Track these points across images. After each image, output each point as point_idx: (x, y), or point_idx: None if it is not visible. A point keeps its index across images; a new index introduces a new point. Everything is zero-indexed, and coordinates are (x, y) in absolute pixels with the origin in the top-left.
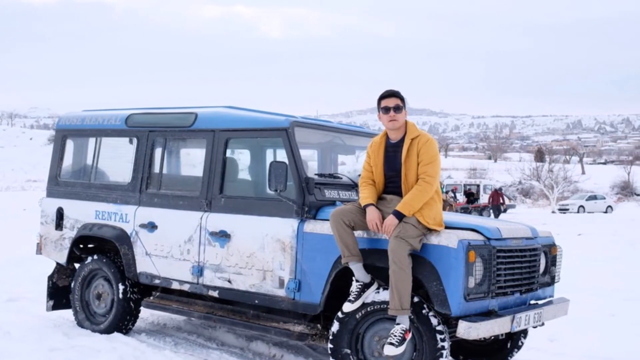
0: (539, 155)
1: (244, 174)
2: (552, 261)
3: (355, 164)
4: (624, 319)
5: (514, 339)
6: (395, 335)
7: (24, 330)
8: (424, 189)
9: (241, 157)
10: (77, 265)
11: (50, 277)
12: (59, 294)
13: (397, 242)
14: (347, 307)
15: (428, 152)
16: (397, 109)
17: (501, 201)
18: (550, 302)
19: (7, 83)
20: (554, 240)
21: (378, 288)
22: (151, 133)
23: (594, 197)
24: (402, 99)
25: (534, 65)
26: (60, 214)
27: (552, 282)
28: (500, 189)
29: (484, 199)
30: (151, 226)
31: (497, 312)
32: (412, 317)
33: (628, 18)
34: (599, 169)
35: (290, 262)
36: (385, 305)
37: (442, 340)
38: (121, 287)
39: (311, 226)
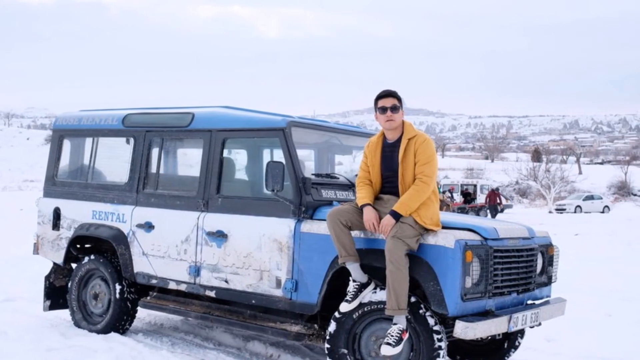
0: (536, 155)
1: (241, 174)
2: (549, 261)
3: (352, 164)
4: (621, 319)
5: (511, 339)
6: (392, 335)
7: (21, 330)
8: (421, 189)
9: (238, 157)
10: (74, 265)
11: (47, 277)
12: (56, 294)
13: (394, 242)
14: (344, 307)
15: (425, 152)
16: (394, 109)
17: (498, 201)
18: (547, 302)
19: (4, 83)
20: (551, 240)
21: (375, 288)
22: (148, 133)
23: (591, 197)
24: (399, 99)
25: (531, 65)
26: (57, 214)
27: (549, 282)
28: (497, 189)
29: (481, 199)
30: (148, 226)
31: (494, 312)
32: (409, 317)
33: (625, 18)
34: (596, 169)
35: (287, 262)
36: (382, 305)
37: (439, 340)
38: (118, 287)
39: (308, 226)
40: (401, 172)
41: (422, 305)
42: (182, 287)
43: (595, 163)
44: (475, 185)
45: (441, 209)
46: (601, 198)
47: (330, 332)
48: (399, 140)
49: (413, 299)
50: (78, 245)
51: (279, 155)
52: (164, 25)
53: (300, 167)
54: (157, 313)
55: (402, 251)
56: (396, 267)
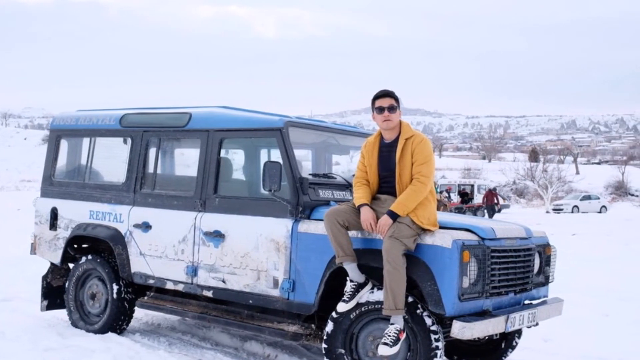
0: (533, 155)
1: (238, 174)
2: (546, 261)
3: (350, 164)
4: (618, 319)
5: (508, 339)
6: (389, 335)
7: (18, 330)
8: (418, 189)
9: (235, 157)
10: (71, 265)
11: (44, 277)
12: (53, 294)
13: (391, 242)
14: (342, 307)
15: (422, 152)
16: (391, 109)
17: (495, 201)
18: (544, 302)
19: (2, 83)
20: (548, 240)
21: (372, 288)
22: (145, 133)
23: (588, 197)
24: (396, 99)
25: (528, 66)
26: (54, 214)
27: (546, 282)
28: (495, 189)
29: (478, 199)
30: (145, 226)
31: (491, 312)
32: (407, 317)
33: (623, 18)
34: (593, 169)
35: (285, 262)
36: (380, 305)
37: (437, 340)
38: (115, 287)
39: (305, 226)
40: (398, 172)
41: (419, 305)
42: (180, 287)
43: (593, 163)
44: (472, 185)
45: (438, 209)
46: (598, 198)
47: (327, 332)
48: (396, 140)
49: (410, 299)
50: (75, 245)
51: (276, 155)
52: (162, 25)
53: (297, 167)
54: (155, 313)
55: (399, 251)
56: (393, 267)
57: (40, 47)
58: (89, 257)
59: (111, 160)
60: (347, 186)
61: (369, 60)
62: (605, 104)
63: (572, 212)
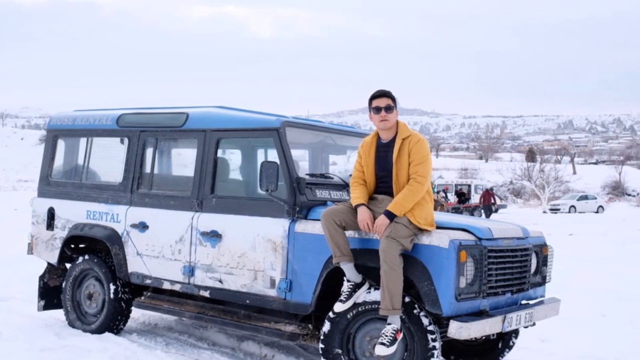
0: (530, 155)
1: (235, 174)
2: (543, 261)
3: (347, 164)
4: (615, 319)
5: (505, 339)
6: (386, 335)
7: (15, 330)
8: (415, 189)
9: (232, 157)
10: (68, 265)
11: (41, 277)
12: (50, 294)
13: (388, 242)
14: (339, 307)
15: (419, 152)
16: (388, 109)
17: (492, 201)
18: (541, 302)
19: None
20: (545, 240)
21: (369, 288)
22: (142, 133)
23: (585, 197)
24: (393, 99)
25: (525, 65)
26: (51, 214)
27: (543, 282)
28: (492, 189)
29: (475, 199)
30: (142, 226)
31: (488, 312)
32: (403, 317)
33: (619, 17)
34: (590, 169)
35: (282, 262)
36: (377, 305)
37: (433, 340)
38: (112, 287)
39: (302, 226)
40: (395, 172)
41: (416, 305)
42: (177, 287)
43: (590, 163)
44: (469, 185)
45: (435, 209)
46: (595, 198)
47: (324, 332)
48: (393, 140)
49: (407, 299)
50: (72, 245)
51: (273, 155)
52: (158, 25)
53: (294, 167)
54: (152, 313)
55: (396, 251)
56: (390, 267)
57: (37, 46)
58: (86, 257)
59: (108, 160)
60: (344, 186)
61: (365, 60)
62: (602, 104)
63: (569, 212)
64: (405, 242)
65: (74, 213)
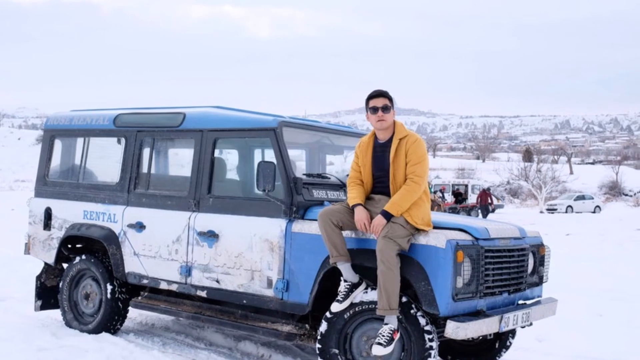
0: (527, 155)
1: (232, 174)
2: (540, 261)
3: (344, 164)
4: (612, 319)
5: (502, 339)
6: (383, 335)
7: (12, 330)
8: (412, 189)
9: (229, 157)
10: (65, 265)
11: (38, 277)
12: (47, 293)
13: (385, 242)
14: (336, 307)
15: (416, 152)
16: (385, 109)
17: (489, 201)
18: (538, 302)
19: None
20: (542, 240)
21: (366, 288)
22: (139, 133)
23: (582, 197)
24: (390, 99)
25: (522, 65)
26: (48, 214)
27: (540, 282)
28: (489, 189)
29: (472, 199)
30: (139, 226)
31: (485, 312)
32: (401, 317)
33: (617, 17)
34: (587, 169)
35: (279, 262)
36: (374, 305)
37: (431, 340)
38: (109, 287)
39: (299, 226)
40: (392, 172)
41: (413, 305)
42: (174, 287)
43: (587, 163)
44: (466, 185)
45: (432, 209)
46: (592, 198)
47: (321, 332)
48: (390, 140)
49: (404, 299)
50: (69, 245)
51: (270, 155)
52: (155, 25)
53: (291, 167)
54: (149, 313)
55: (393, 251)
56: (387, 267)
57: (34, 46)
58: (83, 257)
59: (105, 160)
60: (341, 186)
61: (362, 60)
62: (599, 104)
63: (566, 212)
64: (402, 242)
65: (71, 213)
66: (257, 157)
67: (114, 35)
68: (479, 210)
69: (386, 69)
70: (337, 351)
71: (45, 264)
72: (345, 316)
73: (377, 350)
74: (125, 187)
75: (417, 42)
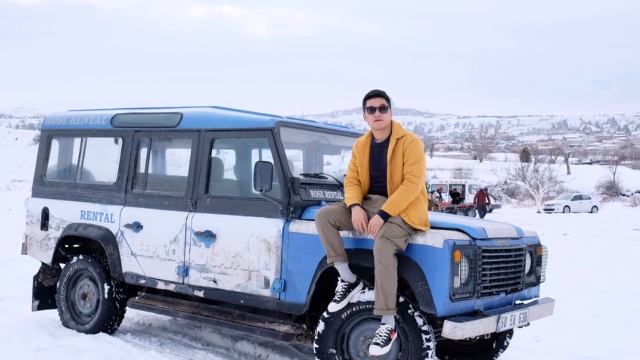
0: (525, 155)
1: (229, 174)
2: (537, 261)
3: (341, 164)
4: (609, 318)
5: (500, 339)
6: (380, 335)
7: (9, 330)
8: (409, 189)
9: (227, 157)
10: (62, 265)
11: (35, 277)
12: (45, 294)
13: (383, 242)
14: (333, 307)
15: (413, 152)
16: (383, 109)
17: (487, 201)
18: (535, 302)
19: None
20: (540, 240)
21: (363, 288)
22: (137, 133)
23: (579, 197)
24: (387, 99)
25: (519, 66)
26: (45, 214)
27: (537, 282)
28: (486, 189)
29: (469, 199)
30: (137, 226)
31: (482, 312)
32: (398, 317)
33: (614, 18)
34: (585, 169)
35: (276, 262)
36: (371, 305)
37: (428, 340)
38: (106, 287)
39: (296, 226)
40: (389, 172)
41: (410, 305)
42: (171, 287)
43: (584, 163)
44: (463, 185)
45: (430, 209)
46: (589, 198)
47: (318, 332)
48: (387, 140)
49: (401, 299)
50: (66, 245)
51: (267, 155)
52: (154, 25)
53: (288, 167)
54: (146, 313)
55: (390, 251)
56: (385, 267)
57: (32, 46)
58: (80, 257)
59: (102, 160)
60: (339, 186)
61: (360, 60)
62: (596, 104)
63: (563, 212)
64: (400, 242)
65: (68, 213)
66: (255, 157)
67: (113, 35)
68: (476, 210)
69: (384, 69)
70: (334, 351)
71: (43, 264)
72: (343, 316)
73: (374, 350)
74: (123, 187)
75: (415, 42)
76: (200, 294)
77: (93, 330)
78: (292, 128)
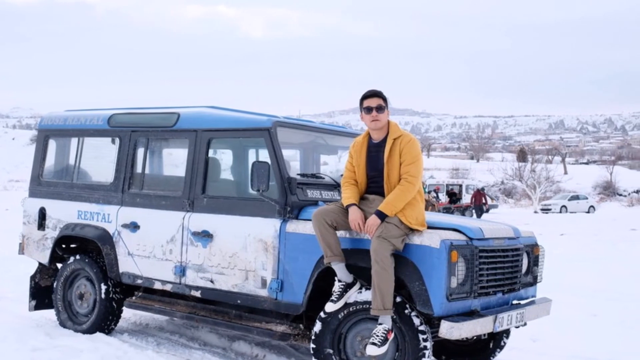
0: (522, 155)
1: (226, 174)
2: (534, 261)
3: (338, 164)
4: (606, 318)
5: (497, 339)
6: (377, 335)
7: (6, 330)
8: (406, 189)
9: (224, 157)
10: (59, 265)
11: (32, 277)
12: (42, 294)
13: (380, 242)
14: (330, 307)
15: (410, 152)
16: (380, 109)
17: (483, 201)
18: (532, 302)
19: None
20: (537, 240)
21: (360, 288)
22: (133, 133)
23: (576, 197)
24: (384, 99)
25: (516, 66)
26: (42, 214)
27: (534, 282)
28: (483, 189)
29: (466, 199)
30: (133, 226)
31: (479, 312)
32: (395, 317)
33: (611, 18)
34: (581, 169)
35: (273, 262)
36: (368, 305)
37: (425, 340)
38: (103, 287)
39: (293, 226)
40: (386, 172)
41: (407, 305)
42: (168, 287)
43: (581, 163)
44: (460, 185)
45: (426, 209)
46: (586, 198)
47: (315, 332)
48: (384, 140)
49: (398, 299)
50: (63, 245)
51: (264, 155)
52: (150, 25)
53: (285, 167)
54: (143, 313)
55: (387, 251)
56: (382, 267)
57: (29, 46)
58: (77, 257)
59: (99, 160)
60: (336, 186)
61: (357, 61)
62: (593, 104)
63: (560, 212)
64: (397, 242)
65: (65, 213)
66: (252, 157)
67: (108, 35)
68: (473, 210)
69: (381, 69)
70: (331, 351)
71: (40, 264)
72: (340, 316)
73: (371, 350)
74: (120, 187)
75: (412, 42)
76: (197, 294)
77: (90, 330)
78: (289, 128)
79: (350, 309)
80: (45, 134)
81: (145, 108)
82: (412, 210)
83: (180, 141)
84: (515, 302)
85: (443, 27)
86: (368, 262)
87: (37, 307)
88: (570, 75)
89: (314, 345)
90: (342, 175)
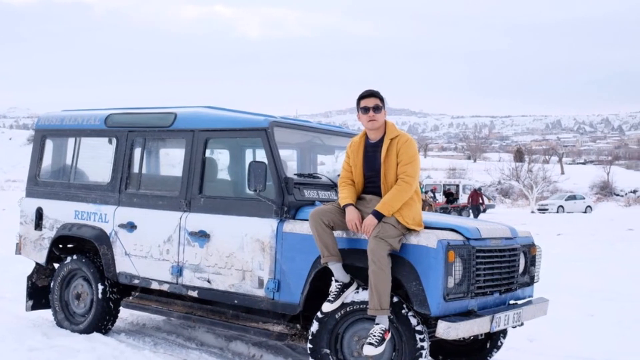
0: (518, 155)
1: (223, 174)
2: (531, 261)
3: (335, 164)
4: (603, 318)
5: (494, 339)
6: (374, 335)
7: (3, 330)
8: (403, 189)
9: (221, 157)
10: (56, 265)
11: (29, 277)
12: (39, 293)
13: (377, 242)
14: (327, 307)
15: (407, 152)
16: (377, 109)
17: (480, 201)
18: (529, 302)
19: None
20: (533, 240)
21: (357, 288)
22: (130, 133)
23: (573, 197)
24: (381, 99)
25: (513, 66)
26: (39, 214)
27: (531, 282)
28: (480, 189)
29: (463, 199)
30: (130, 226)
31: (476, 312)
32: (392, 317)
33: (609, 18)
34: (578, 169)
35: (270, 262)
36: (365, 305)
37: (422, 340)
38: (100, 287)
39: (290, 226)
40: (383, 172)
41: (404, 305)
42: (165, 287)
43: (578, 163)
44: (457, 185)
45: (423, 209)
46: (583, 198)
47: (312, 332)
48: (381, 140)
49: (395, 299)
50: (60, 245)
51: (261, 155)
52: (148, 25)
53: (282, 167)
54: (140, 313)
55: (384, 251)
56: (379, 267)
57: (26, 47)
58: (74, 257)
59: (96, 160)
60: (332, 186)
61: (354, 61)
62: (590, 104)
63: (557, 212)
64: (394, 242)
65: (62, 213)
66: (249, 157)
67: (106, 36)
68: (470, 211)
69: (378, 69)
70: (328, 351)
71: (37, 264)
72: (337, 316)
73: (368, 350)
74: (117, 187)
75: (410, 42)
76: (194, 294)
77: (87, 330)
78: (286, 128)
79: (347, 309)
80: (43, 134)
81: (142, 108)
82: (409, 210)
83: (177, 141)
84: (512, 302)
85: (440, 27)
86: (365, 262)
87: (34, 307)
88: (567, 75)
89: (311, 345)
90: (339, 175)
